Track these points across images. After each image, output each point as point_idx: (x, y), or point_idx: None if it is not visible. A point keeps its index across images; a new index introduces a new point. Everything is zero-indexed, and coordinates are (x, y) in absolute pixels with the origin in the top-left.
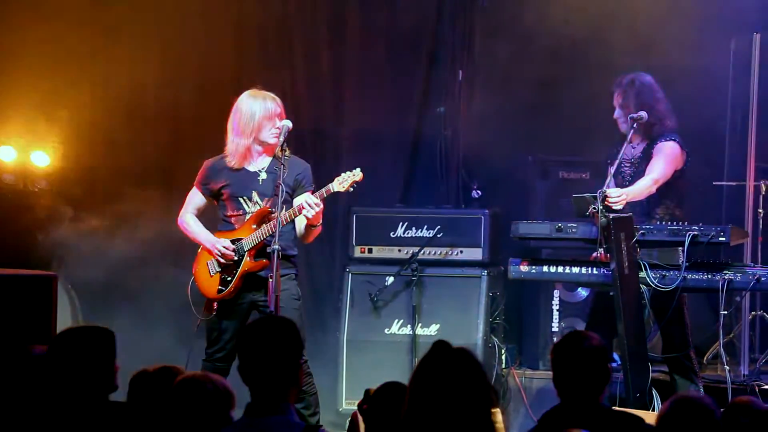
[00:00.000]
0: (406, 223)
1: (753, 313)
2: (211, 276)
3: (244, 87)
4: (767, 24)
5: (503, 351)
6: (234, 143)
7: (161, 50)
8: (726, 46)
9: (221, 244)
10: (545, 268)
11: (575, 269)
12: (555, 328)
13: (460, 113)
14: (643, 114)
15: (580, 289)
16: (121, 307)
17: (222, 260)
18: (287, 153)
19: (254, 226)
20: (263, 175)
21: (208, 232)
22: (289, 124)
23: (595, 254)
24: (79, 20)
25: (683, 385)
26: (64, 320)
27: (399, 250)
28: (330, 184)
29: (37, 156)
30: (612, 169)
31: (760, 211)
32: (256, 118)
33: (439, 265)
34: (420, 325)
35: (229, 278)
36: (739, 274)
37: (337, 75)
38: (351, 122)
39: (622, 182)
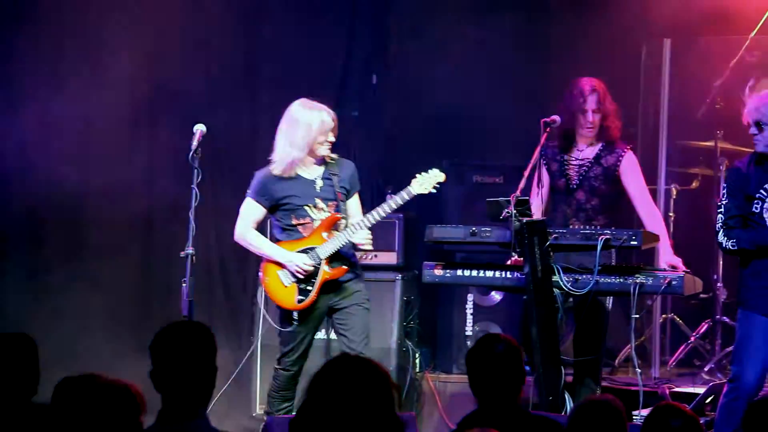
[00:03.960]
0: None
1: (664, 316)
2: (286, 287)
3: (163, 87)
4: (678, 30)
5: (417, 355)
6: (287, 153)
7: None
8: (637, 51)
9: (300, 260)
10: (459, 272)
11: (489, 273)
12: (469, 332)
13: (374, 117)
14: (557, 118)
15: (493, 293)
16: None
17: (301, 275)
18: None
19: (325, 234)
20: (320, 182)
21: (279, 247)
22: (203, 128)
23: (509, 260)
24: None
25: (585, 388)
26: None
27: None
28: (409, 188)
29: None
30: (526, 173)
31: (671, 214)
32: (313, 133)
33: None
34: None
35: (309, 288)
36: (650, 278)
37: (252, 75)
38: (265, 124)
39: (567, 185)
